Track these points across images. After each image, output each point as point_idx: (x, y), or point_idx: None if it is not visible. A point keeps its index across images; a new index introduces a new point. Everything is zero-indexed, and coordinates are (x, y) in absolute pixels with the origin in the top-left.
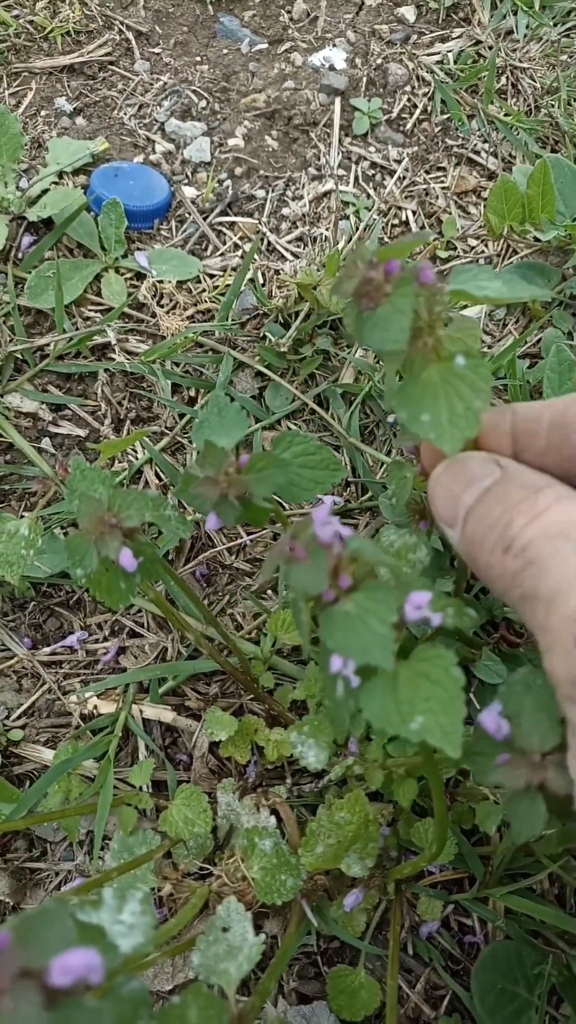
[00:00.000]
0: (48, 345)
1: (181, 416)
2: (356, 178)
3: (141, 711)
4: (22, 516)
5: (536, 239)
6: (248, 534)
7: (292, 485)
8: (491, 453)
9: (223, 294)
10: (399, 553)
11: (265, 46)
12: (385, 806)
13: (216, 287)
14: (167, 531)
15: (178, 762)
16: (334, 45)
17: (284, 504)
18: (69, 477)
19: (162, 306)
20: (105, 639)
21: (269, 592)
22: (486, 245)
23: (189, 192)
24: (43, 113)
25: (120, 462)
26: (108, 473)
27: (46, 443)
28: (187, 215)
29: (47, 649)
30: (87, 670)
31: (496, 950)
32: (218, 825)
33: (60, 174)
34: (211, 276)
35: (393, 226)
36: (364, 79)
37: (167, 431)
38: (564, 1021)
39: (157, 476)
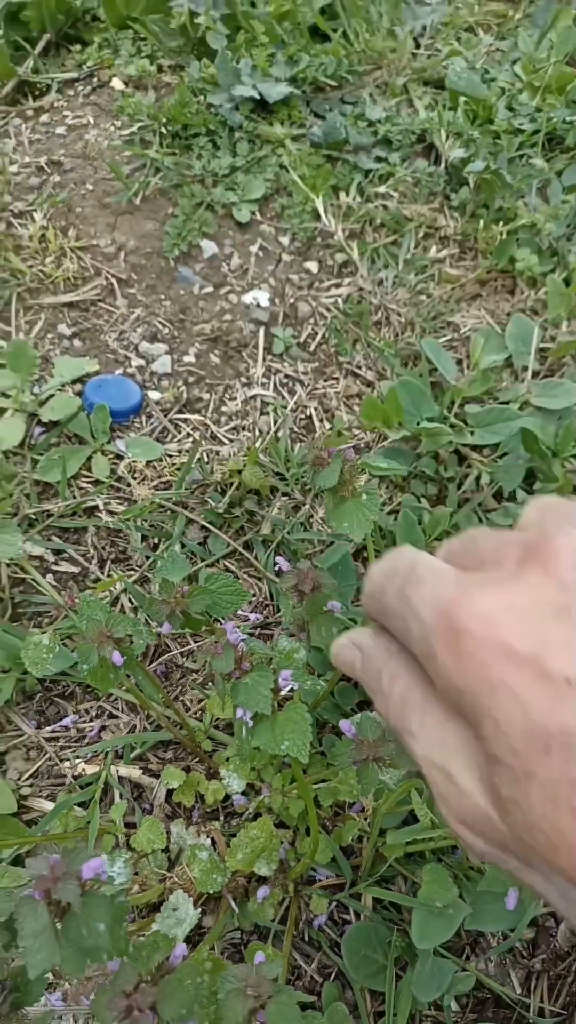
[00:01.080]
0: (53, 508)
1: (147, 558)
2: (275, 385)
3: (117, 771)
4: (42, 631)
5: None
6: (195, 642)
7: (216, 605)
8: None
9: (179, 470)
10: (288, 653)
11: (211, 289)
12: (285, 832)
13: (174, 464)
14: (139, 639)
15: (144, 809)
16: (260, 288)
17: (218, 619)
18: (79, 606)
19: (135, 479)
20: (91, 720)
21: (209, 683)
22: (364, 433)
23: (155, 395)
24: (49, 336)
25: (103, 592)
26: (104, 603)
27: (50, 578)
28: (154, 412)
29: (48, 728)
30: (77, 743)
31: (359, 927)
32: (170, 849)
33: (62, 384)
34: (170, 456)
35: (300, 420)
36: (281, 313)
37: (137, 568)
38: (409, 974)
39: (129, 601)
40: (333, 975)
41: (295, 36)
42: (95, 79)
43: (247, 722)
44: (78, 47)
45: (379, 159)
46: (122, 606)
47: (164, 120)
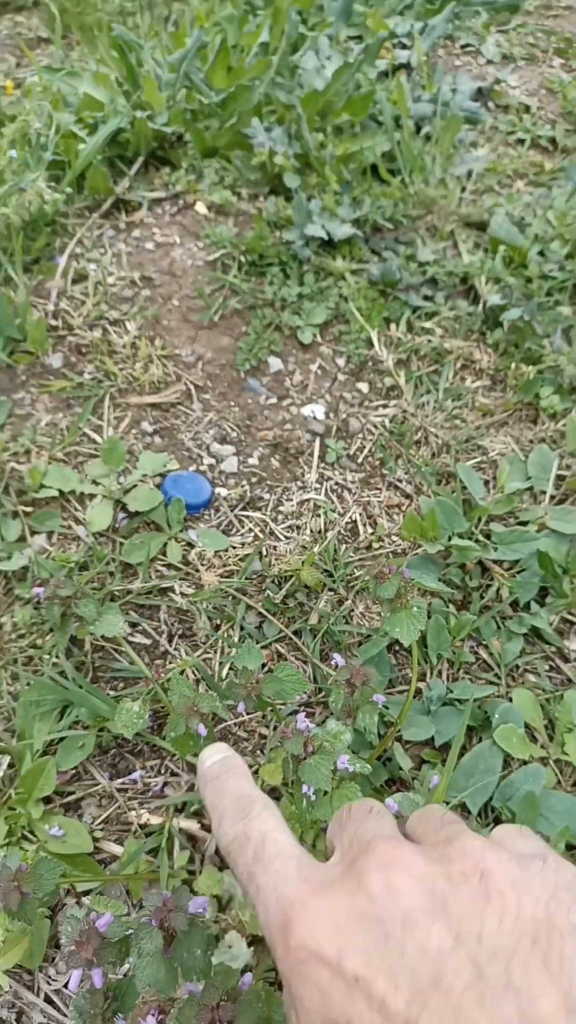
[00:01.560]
0: (134, 587)
1: (207, 637)
2: (326, 491)
3: (178, 823)
4: (133, 700)
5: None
6: (247, 714)
7: (282, 691)
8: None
9: (242, 560)
10: (335, 734)
11: (275, 400)
12: None
13: (238, 555)
14: (218, 714)
15: (200, 858)
16: (317, 403)
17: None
18: (171, 684)
19: (203, 565)
20: (156, 776)
21: (258, 752)
22: (403, 540)
23: (223, 491)
24: (133, 431)
25: (168, 666)
26: (188, 682)
27: (127, 646)
28: (222, 507)
29: (119, 780)
30: (143, 795)
31: None
32: (221, 895)
33: (144, 476)
34: (235, 548)
35: (347, 524)
36: (335, 426)
37: (201, 645)
38: None
39: (194, 672)
40: None
41: (358, 178)
42: (181, 201)
43: (310, 796)
44: (167, 169)
45: (426, 297)
46: (188, 677)
47: (243, 249)
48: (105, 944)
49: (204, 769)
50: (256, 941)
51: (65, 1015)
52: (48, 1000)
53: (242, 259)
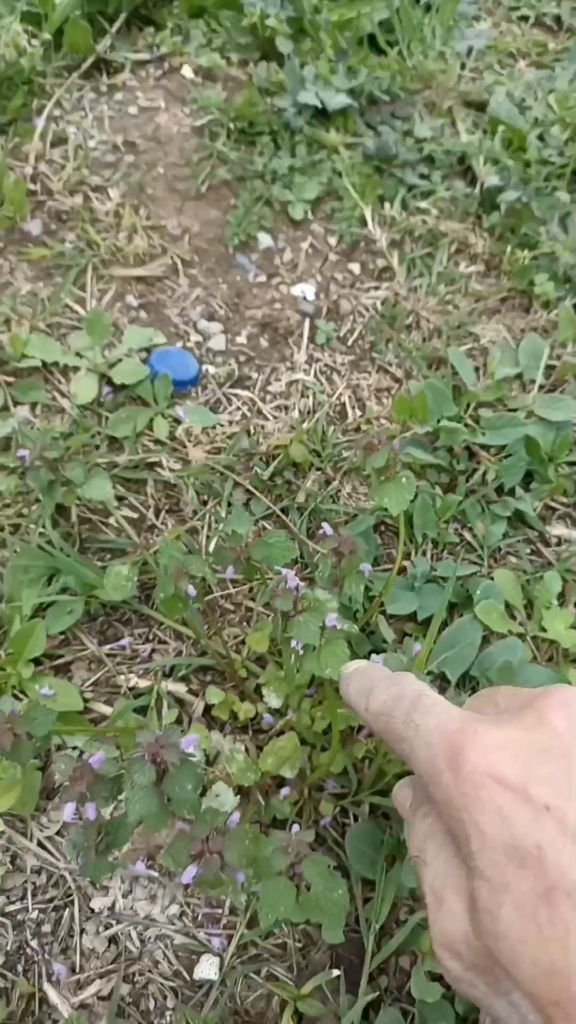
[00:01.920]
0: (120, 460)
1: (195, 512)
2: (315, 372)
3: (166, 686)
4: (122, 563)
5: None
6: (234, 587)
7: (269, 556)
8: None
9: (230, 438)
10: (324, 602)
11: (264, 278)
12: (305, 748)
13: (225, 433)
14: (205, 576)
15: (188, 719)
16: (307, 283)
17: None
18: (161, 546)
19: (191, 442)
20: (144, 643)
21: (245, 624)
22: (391, 424)
23: (212, 370)
24: (118, 305)
25: (157, 538)
26: (179, 545)
27: (113, 519)
28: (209, 385)
29: (107, 646)
30: (131, 661)
31: (360, 827)
32: (209, 752)
33: (130, 350)
34: (222, 426)
35: (335, 406)
36: (325, 308)
37: (188, 519)
38: (396, 867)
39: (183, 545)
40: (334, 867)
41: (354, 47)
42: (166, 64)
43: (299, 651)
44: (151, 29)
45: (423, 176)
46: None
47: (232, 115)
48: (98, 779)
49: (347, 672)
50: (242, 791)
51: (57, 859)
52: (41, 845)
53: (231, 126)
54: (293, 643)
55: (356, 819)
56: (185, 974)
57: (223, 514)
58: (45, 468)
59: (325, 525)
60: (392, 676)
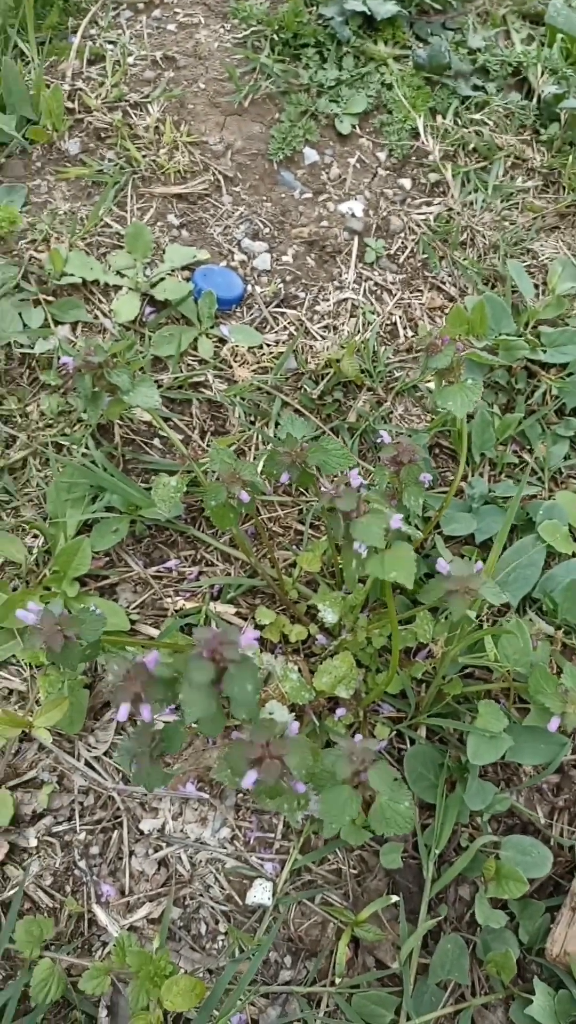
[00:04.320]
0: (164, 379)
1: (241, 432)
2: (364, 291)
3: (215, 607)
4: (170, 475)
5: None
6: (282, 509)
7: (327, 463)
8: None
9: (276, 358)
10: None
11: (310, 195)
12: (361, 670)
13: (271, 353)
14: (256, 486)
15: None
16: (355, 199)
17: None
18: (211, 453)
19: (236, 361)
20: (191, 565)
21: (294, 547)
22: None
23: (257, 289)
24: (158, 224)
25: (204, 456)
26: (230, 452)
27: (156, 441)
28: (255, 304)
29: (153, 568)
30: (178, 584)
31: (418, 749)
32: (261, 672)
33: (172, 269)
34: (269, 346)
35: (386, 326)
36: (374, 225)
37: (235, 441)
38: (459, 789)
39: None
40: None
41: None
42: None
43: (361, 553)
44: None
45: (476, 87)
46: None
47: (276, 27)
48: (153, 680)
49: None
50: (295, 711)
51: (105, 779)
52: (88, 765)
53: (275, 37)
54: (356, 546)
55: (412, 743)
56: (237, 898)
57: (271, 434)
58: (89, 374)
59: (383, 432)
60: None
